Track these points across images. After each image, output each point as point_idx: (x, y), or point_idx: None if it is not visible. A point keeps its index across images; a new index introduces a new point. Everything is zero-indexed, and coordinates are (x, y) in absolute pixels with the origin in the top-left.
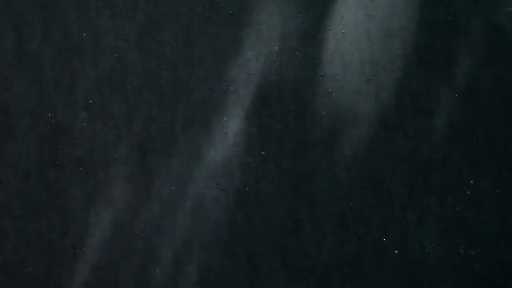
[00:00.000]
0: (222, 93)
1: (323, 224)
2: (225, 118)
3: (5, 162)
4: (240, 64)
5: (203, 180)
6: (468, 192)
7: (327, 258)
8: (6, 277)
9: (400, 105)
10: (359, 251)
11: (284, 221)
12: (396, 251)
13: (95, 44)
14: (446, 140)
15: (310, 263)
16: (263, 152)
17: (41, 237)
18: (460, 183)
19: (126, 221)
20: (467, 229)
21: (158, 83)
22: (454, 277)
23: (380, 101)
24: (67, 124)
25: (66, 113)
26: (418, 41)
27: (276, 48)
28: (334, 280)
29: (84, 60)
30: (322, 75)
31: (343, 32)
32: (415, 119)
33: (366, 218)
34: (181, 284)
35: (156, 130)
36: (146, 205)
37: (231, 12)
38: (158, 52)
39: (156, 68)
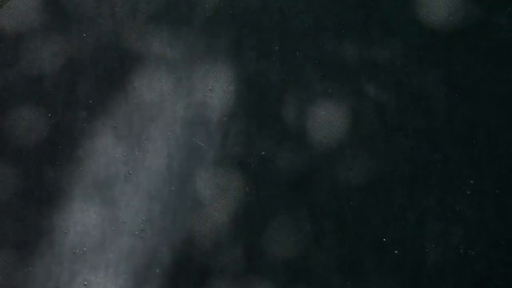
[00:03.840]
0: (222, 93)
1: (323, 224)
2: (225, 118)
3: (5, 162)
4: (240, 64)
5: (203, 180)
6: (468, 192)
7: (327, 258)
8: (6, 277)
9: (400, 105)
10: (359, 251)
11: (284, 221)
12: (396, 251)
13: (95, 44)
14: (446, 140)
15: (310, 263)
16: (263, 152)
17: (41, 237)
18: (460, 183)
19: (126, 221)
20: (467, 229)
21: (158, 83)
22: (454, 277)
23: (380, 101)
24: (67, 124)
25: (66, 113)
26: (418, 41)
27: (276, 48)
28: (334, 280)
29: (84, 60)
30: (322, 75)
31: (342, 32)
32: (415, 119)
33: (366, 218)
34: (181, 284)
35: (156, 130)
36: (146, 205)
37: (231, 12)
38: (158, 52)
39: (156, 68)
